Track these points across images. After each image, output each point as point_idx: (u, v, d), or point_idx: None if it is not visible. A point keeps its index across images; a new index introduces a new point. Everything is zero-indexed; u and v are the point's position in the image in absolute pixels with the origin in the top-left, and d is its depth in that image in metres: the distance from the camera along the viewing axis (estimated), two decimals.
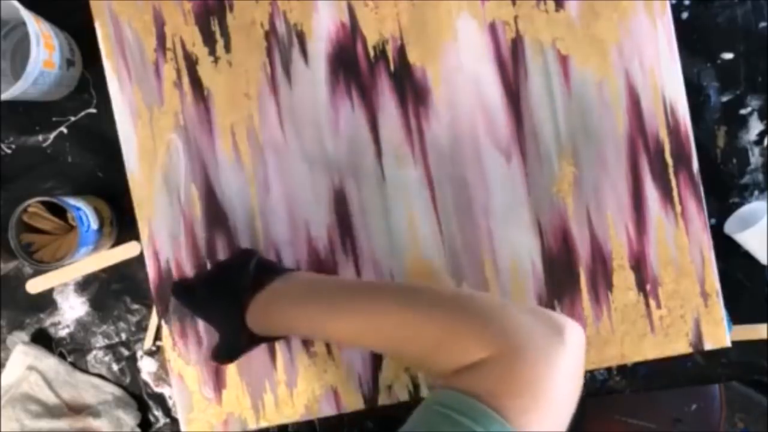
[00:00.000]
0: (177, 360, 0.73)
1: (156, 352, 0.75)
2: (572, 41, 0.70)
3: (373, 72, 0.71)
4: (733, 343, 0.71)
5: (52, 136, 0.75)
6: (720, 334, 0.70)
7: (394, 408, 0.72)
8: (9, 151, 0.76)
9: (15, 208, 0.68)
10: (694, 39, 0.72)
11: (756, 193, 0.72)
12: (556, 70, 0.70)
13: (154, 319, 0.74)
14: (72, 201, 0.68)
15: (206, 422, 0.72)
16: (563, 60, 0.70)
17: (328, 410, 0.72)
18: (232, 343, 0.63)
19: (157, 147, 0.72)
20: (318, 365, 0.72)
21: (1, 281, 0.76)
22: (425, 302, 0.49)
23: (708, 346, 0.70)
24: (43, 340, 0.76)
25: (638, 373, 0.73)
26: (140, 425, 0.75)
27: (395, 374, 0.72)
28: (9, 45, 0.74)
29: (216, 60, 0.72)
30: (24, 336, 0.76)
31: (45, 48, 0.66)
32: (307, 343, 0.72)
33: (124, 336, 0.75)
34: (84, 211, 0.68)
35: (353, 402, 0.72)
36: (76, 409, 0.74)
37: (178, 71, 0.72)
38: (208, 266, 0.71)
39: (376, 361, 0.72)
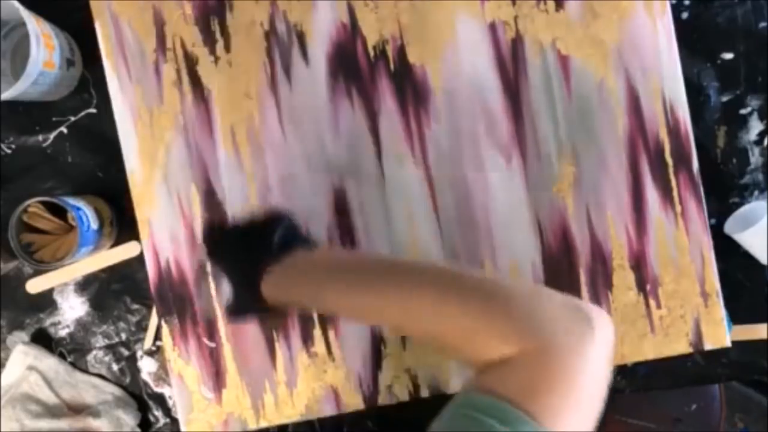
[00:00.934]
0: (177, 360, 0.73)
1: (156, 352, 0.75)
2: (572, 41, 0.70)
3: (373, 72, 0.71)
4: (733, 343, 0.71)
5: (52, 136, 0.75)
6: (720, 334, 0.70)
7: (394, 408, 0.72)
8: (9, 151, 0.76)
9: (15, 208, 0.68)
10: (694, 39, 0.72)
11: (756, 193, 0.72)
12: (556, 70, 0.70)
13: (154, 319, 0.74)
14: (72, 201, 0.68)
15: (206, 422, 0.72)
16: (563, 60, 0.70)
17: (328, 410, 0.72)
18: (243, 307, 0.62)
19: (157, 147, 0.72)
20: (318, 365, 0.72)
21: (1, 281, 0.76)
22: (459, 290, 0.48)
23: (708, 346, 0.70)
24: (43, 340, 0.76)
25: (638, 373, 0.73)
26: (140, 425, 0.75)
27: (395, 374, 0.72)
28: (9, 45, 0.74)
29: (216, 60, 0.72)
30: (24, 336, 0.76)
31: (45, 48, 0.66)
32: (307, 343, 0.72)
33: (124, 336, 0.75)
34: (84, 211, 0.68)
35: (353, 402, 0.72)
36: (76, 409, 0.74)
37: (178, 71, 0.72)
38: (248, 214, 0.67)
39: (376, 361, 0.72)
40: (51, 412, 0.73)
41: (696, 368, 0.73)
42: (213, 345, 0.73)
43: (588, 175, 0.70)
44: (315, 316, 0.72)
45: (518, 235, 0.71)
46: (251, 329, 0.73)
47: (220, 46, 0.72)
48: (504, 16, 0.70)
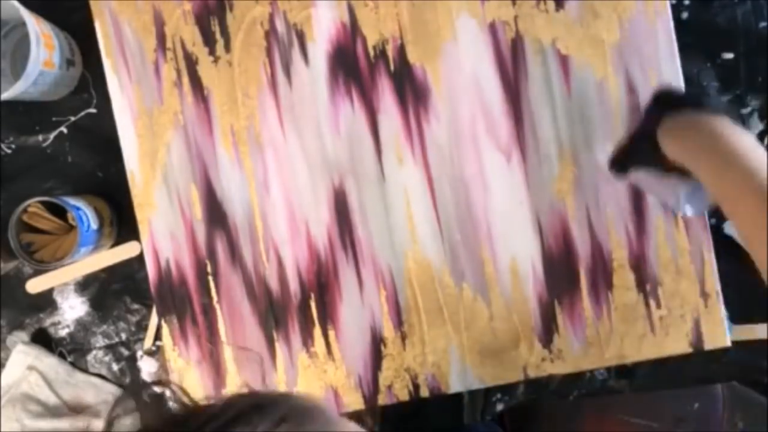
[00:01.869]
0: (177, 360, 0.73)
1: (156, 352, 0.75)
2: (572, 41, 0.70)
3: (373, 72, 0.71)
4: (733, 343, 0.71)
5: (52, 136, 0.75)
6: (720, 334, 0.70)
7: (394, 408, 0.72)
8: (9, 151, 0.76)
9: (15, 208, 0.68)
10: (694, 39, 0.72)
11: None
12: (556, 70, 0.70)
13: (154, 319, 0.74)
14: (72, 201, 0.68)
15: None
16: (563, 60, 0.70)
17: None
18: (633, 150, 0.61)
19: (157, 147, 0.72)
20: (318, 365, 0.72)
21: (1, 281, 0.76)
22: None
23: (708, 346, 0.70)
24: (43, 340, 0.76)
25: (638, 373, 0.73)
26: None
27: (395, 374, 0.72)
28: (9, 45, 0.74)
29: (216, 60, 0.72)
30: (24, 336, 0.76)
31: (45, 48, 0.66)
32: (307, 343, 0.72)
33: (124, 336, 0.75)
34: (84, 211, 0.68)
35: (353, 402, 0.72)
36: (76, 409, 0.74)
37: (178, 71, 0.72)
38: None
39: (376, 361, 0.72)
40: (51, 412, 0.73)
41: (696, 368, 0.73)
42: (213, 345, 0.73)
43: (588, 175, 0.70)
44: (315, 316, 0.72)
45: (518, 235, 0.71)
46: (251, 329, 0.73)
47: (220, 46, 0.72)
48: (504, 16, 0.70)
